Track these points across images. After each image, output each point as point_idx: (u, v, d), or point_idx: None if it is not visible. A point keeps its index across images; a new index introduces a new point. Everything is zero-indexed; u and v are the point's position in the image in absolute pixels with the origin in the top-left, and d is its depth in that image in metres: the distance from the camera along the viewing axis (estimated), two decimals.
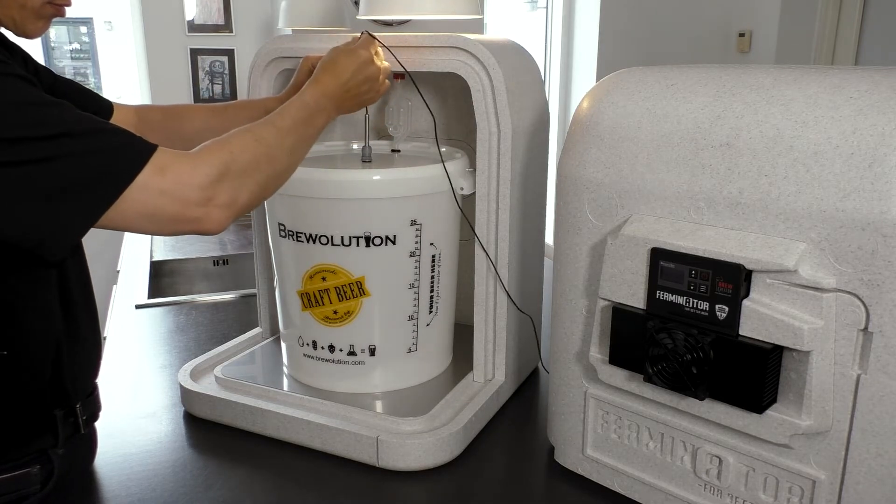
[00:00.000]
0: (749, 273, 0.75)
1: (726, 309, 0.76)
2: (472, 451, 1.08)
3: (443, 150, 1.23)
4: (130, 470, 1.03)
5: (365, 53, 1.03)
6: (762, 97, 0.76)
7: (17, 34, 0.88)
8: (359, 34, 1.11)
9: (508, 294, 1.15)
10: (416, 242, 1.12)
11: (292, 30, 2.67)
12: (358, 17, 1.36)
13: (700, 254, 0.77)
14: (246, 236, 2.49)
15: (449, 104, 1.37)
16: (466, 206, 1.17)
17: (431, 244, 1.14)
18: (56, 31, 3.67)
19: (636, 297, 0.83)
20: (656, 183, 0.82)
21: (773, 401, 0.76)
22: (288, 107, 0.94)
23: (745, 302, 0.75)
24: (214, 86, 3.31)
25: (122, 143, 0.76)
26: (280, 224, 1.13)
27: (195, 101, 3.27)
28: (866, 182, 0.68)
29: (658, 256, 0.80)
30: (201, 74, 3.25)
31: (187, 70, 3.21)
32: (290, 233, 1.11)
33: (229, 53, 3.28)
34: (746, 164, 0.76)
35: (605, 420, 0.94)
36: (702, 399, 0.79)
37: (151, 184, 0.75)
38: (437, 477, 1.02)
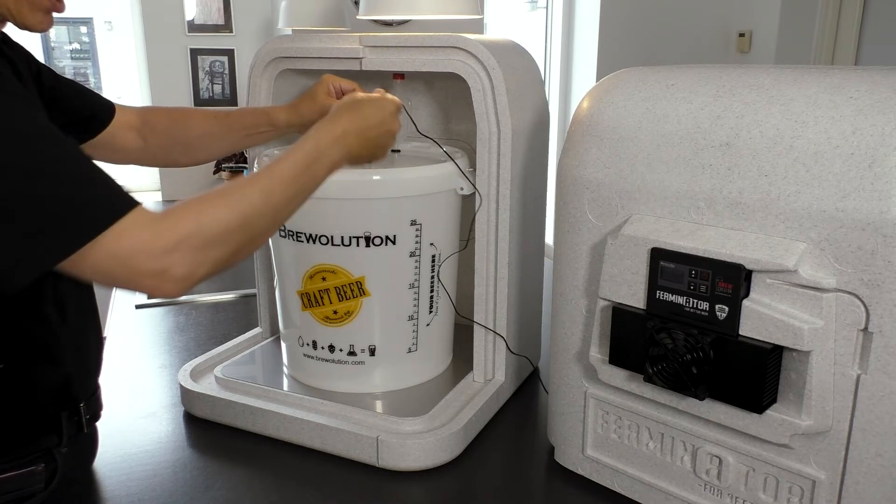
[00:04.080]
0: (749, 273, 0.75)
1: (726, 309, 0.76)
2: (472, 451, 1.08)
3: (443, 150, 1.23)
4: (130, 470, 1.02)
5: (391, 106, 0.99)
6: (762, 97, 0.76)
7: (19, 27, 0.86)
8: (358, 36, 1.10)
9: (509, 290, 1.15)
10: (416, 242, 1.12)
11: (292, 30, 2.67)
12: (358, 17, 1.36)
13: (700, 254, 0.77)
14: None
15: (449, 104, 1.37)
16: (466, 206, 1.18)
17: (431, 244, 1.14)
18: (56, 31, 3.66)
19: (636, 297, 0.83)
20: (656, 183, 0.82)
21: (773, 401, 0.76)
22: (290, 153, 0.85)
23: (745, 302, 0.75)
24: (214, 86, 3.31)
25: (95, 197, 0.72)
26: None
27: (195, 102, 3.27)
28: (866, 182, 0.68)
29: (658, 256, 0.80)
30: (201, 74, 3.25)
31: (187, 70, 3.21)
32: (290, 233, 1.11)
33: (229, 53, 3.28)
34: (746, 164, 0.75)
35: (605, 420, 0.94)
36: (702, 399, 0.79)
37: (107, 247, 0.71)
38: (437, 477, 1.02)
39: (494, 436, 1.12)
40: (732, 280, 0.75)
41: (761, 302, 0.74)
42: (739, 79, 0.80)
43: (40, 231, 0.68)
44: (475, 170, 1.12)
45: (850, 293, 0.71)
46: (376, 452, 1.03)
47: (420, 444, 1.02)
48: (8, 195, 0.67)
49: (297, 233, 1.10)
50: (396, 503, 0.97)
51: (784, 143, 0.73)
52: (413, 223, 1.10)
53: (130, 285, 0.74)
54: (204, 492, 0.98)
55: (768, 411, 0.76)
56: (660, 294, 0.80)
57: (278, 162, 0.83)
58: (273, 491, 0.99)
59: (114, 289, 0.90)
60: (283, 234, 1.13)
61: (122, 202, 0.73)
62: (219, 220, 0.76)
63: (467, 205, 1.18)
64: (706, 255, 0.76)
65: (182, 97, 3.21)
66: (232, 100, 3.32)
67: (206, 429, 1.16)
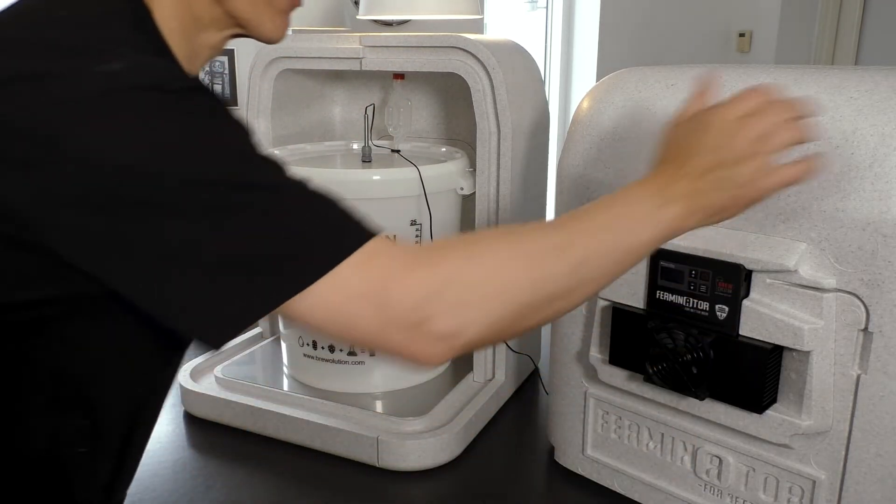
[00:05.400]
0: (749, 273, 0.75)
1: (726, 309, 0.76)
2: (472, 451, 1.07)
3: (443, 150, 1.23)
4: None
5: (735, 108, 0.62)
6: None
7: (255, 36, 0.71)
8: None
9: None
10: (416, 242, 1.12)
11: (292, 30, 2.67)
12: (358, 17, 1.37)
13: (700, 254, 0.77)
14: None
15: (449, 104, 1.37)
16: (466, 206, 1.18)
17: None
18: None
19: (636, 297, 0.83)
20: None
21: (774, 401, 0.76)
22: (596, 202, 0.61)
23: (746, 302, 0.75)
24: (214, 86, 3.31)
25: (334, 221, 0.56)
26: None
27: None
28: (866, 182, 0.68)
29: (658, 256, 0.79)
30: (201, 74, 3.26)
31: None
32: None
33: (229, 53, 3.28)
34: None
35: (605, 420, 0.94)
36: (702, 399, 0.79)
37: (350, 282, 0.53)
38: (437, 477, 1.02)
39: (494, 436, 1.12)
40: (732, 280, 0.75)
41: (761, 302, 0.74)
42: (739, 79, 0.79)
43: (269, 263, 0.53)
44: (475, 170, 1.12)
45: (850, 293, 0.71)
46: (376, 452, 1.03)
47: (420, 444, 1.02)
48: (230, 210, 0.52)
49: None
50: (396, 503, 0.97)
51: None
52: (413, 223, 1.10)
53: (374, 342, 0.55)
54: (204, 492, 0.98)
55: (768, 411, 0.76)
56: (660, 294, 0.80)
57: (574, 212, 0.62)
58: (273, 491, 0.99)
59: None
60: None
61: (361, 227, 0.56)
62: (493, 259, 0.57)
63: (467, 205, 1.18)
64: (706, 255, 0.76)
65: None
66: (232, 100, 3.32)
67: (206, 429, 1.15)
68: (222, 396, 1.15)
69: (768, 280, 0.74)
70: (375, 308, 0.54)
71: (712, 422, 0.81)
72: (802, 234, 0.73)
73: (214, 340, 0.54)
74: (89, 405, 0.62)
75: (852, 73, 0.74)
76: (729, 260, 0.75)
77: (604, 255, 0.61)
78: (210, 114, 0.55)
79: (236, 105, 3.37)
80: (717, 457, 0.83)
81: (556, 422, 1.00)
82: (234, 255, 0.51)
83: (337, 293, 0.54)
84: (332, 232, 0.55)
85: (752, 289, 0.75)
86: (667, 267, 0.79)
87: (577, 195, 0.89)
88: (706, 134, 0.63)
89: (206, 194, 0.51)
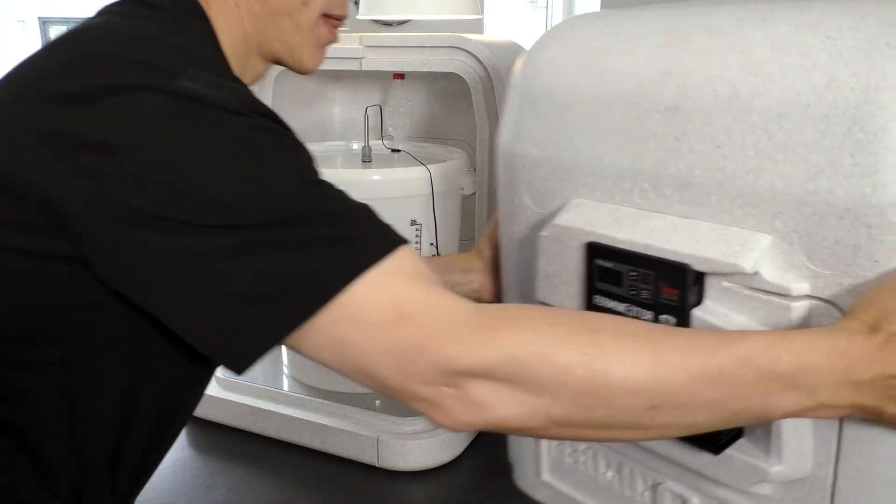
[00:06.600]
0: (700, 275, 0.58)
1: (672, 320, 0.59)
2: (472, 451, 1.07)
3: (443, 150, 1.26)
4: None
5: None
6: (718, 44, 0.58)
7: (294, 68, 0.72)
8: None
9: None
10: (416, 242, 1.11)
11: None
12: (358, 17, 1.36)
13: (640, 250, 0.60)
14: None
15: (449, 104, 1.36)
16: (466, 206, 1.16)
17: (431, 244, 1.13)
18: (56, 32, 3.66)
19: (574, 302, 0.67)
20: (595, 160, 0.65)
21: (739, 435, 0.59)
22: (735, 341, 0.50)
23: (696, 311, 0.58)
24: None
25: (355, 235, 0.54)
26: None
27: None
28: (844, 153, 0.51)
29: (594, 253, 0.64)
30: None
31: None
32: None
33: None
34: (697, 133, 0.58)
35: (560, 442, 0.78)
36: None
37: (376, 331, 0.49)
38: (437, 477, 1.02)
39: (495, 435, 1.03)
40: (678, 285, 0.58)
41: (715, 312, 0.58)
42: (696, 20, 0.62)
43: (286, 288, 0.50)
44: (475, 170, 1.10)
45: (826, 301, 0.53)
46: (376, 452, 1.03)
47: (420, 444, 1.02)
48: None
49: None
50: (396, 503, 0.98)
51: (741, 103, 0.56)
52: (413, 223, 1.10)
53: (395, 393, 0.51)
54: (204, 492, 0.99)
55: (729, 450, 0.59)
56: (597, 300, 0.64)
57: (724, 340, 0.50)
58: (273, 491, 1.00)
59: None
60: None
61: (390, 237, 0.56)
62: (572, 358, 0.48)
63: (467, 205, 1.16)
64: (647, 253, 0.60)
65: None
66: None
67: (206, 429, 1.15)
68: (222, 396, 1.16)
69: (725, 284, 0.57)
70: (399, 365, 0.49)
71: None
72: (766, 223, 0.55)
73: (238, 368, 0.52)
74: (126, 418, 0.63)
75: (836, 6, 0.55)
76: (672, 259, 0.58)
77: (709, 407, 0.50)
78: (275, 139, 0.54)
79: None
80: (680, 496, 0.67)
81: (513, 438, 0.85)
82: (261, 287, 0.50)
83: (361, 337, 0.50)
84: (351, 247, 0.53)
85: (706, 294, 0.59)
86: (604, 266, 0.63)
87: (512, 176, 0.73)
88: None
89: (248, 229, 0.50)
